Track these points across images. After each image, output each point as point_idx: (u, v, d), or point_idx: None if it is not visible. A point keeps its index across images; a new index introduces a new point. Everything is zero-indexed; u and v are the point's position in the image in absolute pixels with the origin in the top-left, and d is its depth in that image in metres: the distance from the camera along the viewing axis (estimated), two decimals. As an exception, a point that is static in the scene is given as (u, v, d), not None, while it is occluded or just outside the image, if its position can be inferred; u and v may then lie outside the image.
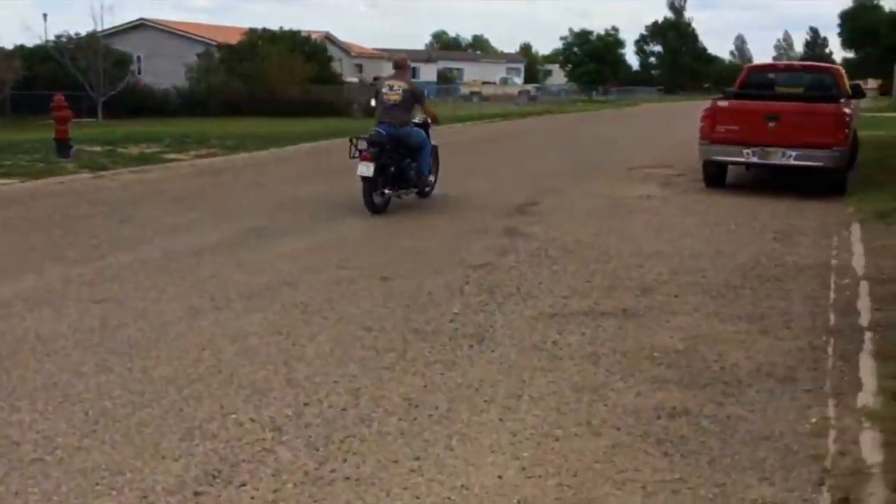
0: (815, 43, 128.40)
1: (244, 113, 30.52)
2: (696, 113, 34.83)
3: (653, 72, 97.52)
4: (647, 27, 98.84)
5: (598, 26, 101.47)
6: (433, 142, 10.60)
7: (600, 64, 68.88)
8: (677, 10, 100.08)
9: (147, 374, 4.55)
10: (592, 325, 5.55)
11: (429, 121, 10.67)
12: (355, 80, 52.89)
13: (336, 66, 50.61)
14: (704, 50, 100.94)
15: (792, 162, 11.14)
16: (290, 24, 43.45)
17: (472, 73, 75.62)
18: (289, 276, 6.70)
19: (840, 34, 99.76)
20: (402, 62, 10.78)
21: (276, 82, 33.03)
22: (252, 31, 38.88)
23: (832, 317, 5.75)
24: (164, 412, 4.06)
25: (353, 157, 9.66)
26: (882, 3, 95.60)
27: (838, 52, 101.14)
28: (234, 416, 4.04)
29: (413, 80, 11.34)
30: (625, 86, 77.31)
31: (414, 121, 10.35)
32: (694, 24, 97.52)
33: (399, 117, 9.96)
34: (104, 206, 10.17)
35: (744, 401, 4.31)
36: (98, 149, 16.00)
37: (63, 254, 7.47)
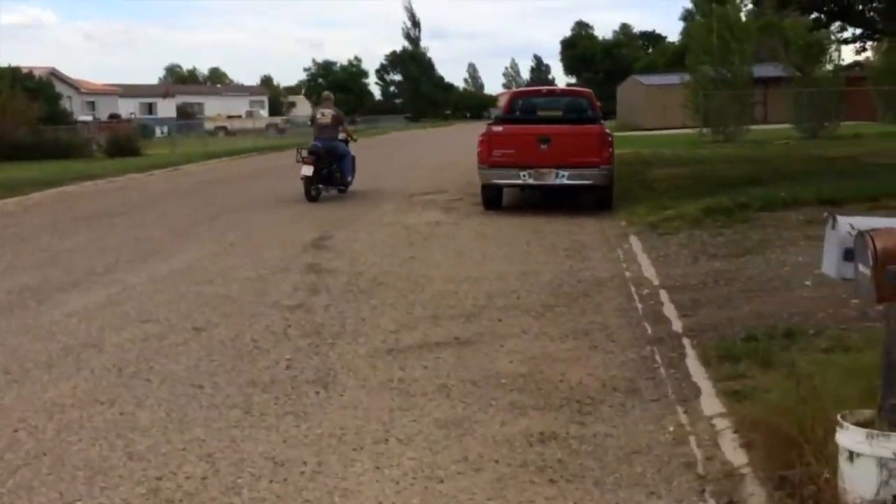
0: (540, 69, 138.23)
1: (-38, 158, 27.45)
2: (444, 140, 36.13)
3: (395, 101, 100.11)
4: (386, 57, 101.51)
5: (332, 56, 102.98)
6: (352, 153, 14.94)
7: (346, 94, 69.79)
8: (413, 40, 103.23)
9: (-44, 468, 3.89)
10: (431, 358, 5.48)
11: (348, 138, 15.18)
12: (89, 118, 49.87)
13: (66, 103, 47.46)
14: (442, 78, 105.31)
15: (565, 181, 11.77)
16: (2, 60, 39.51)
17: (214, 108, 73.56)
18: (88, 336, 6.05)
19: (562, 61, 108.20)
20: (327, 97, 15.67)
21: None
22: (-36, 69, 35.37)
23: (648, 327, 6.07)
24: (-6, 511, 3.49)
25: (298, 162, 13.81)
26: (596, 32, 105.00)
27: (561, 77, 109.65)
28: (79, 503, 3.54)
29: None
30: (370, 115, 78.70)
31: (339, 137, 14.54)
32: (429, 54, 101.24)
33: (330, 134, 14.30)
34: None
35: (602, 417, 4.41)
36: None
37: None
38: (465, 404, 4.64)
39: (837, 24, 13.77)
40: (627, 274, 7.90)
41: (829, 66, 29.40)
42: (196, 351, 5.68)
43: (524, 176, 11.87)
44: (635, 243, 9.41)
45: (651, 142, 28.18)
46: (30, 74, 41.37)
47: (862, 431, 2.94)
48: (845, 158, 17.93)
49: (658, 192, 13.64)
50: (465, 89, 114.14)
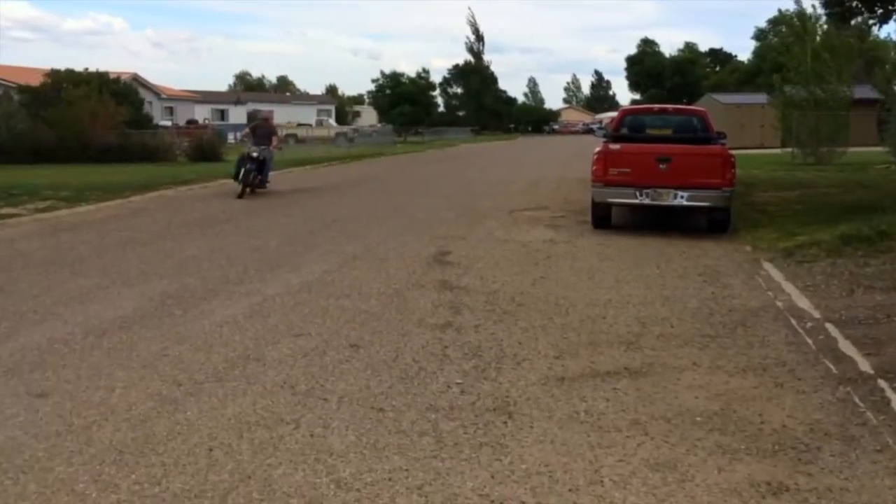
0: (601, 85, 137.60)
1: (55, 160, 27.93)
2: (521, 154, 36.03)
3: (458, 113, 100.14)
4: (449, 70, 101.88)
5: (388, 68, 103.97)
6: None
7: (413, 105, 70.05)
8: (476, 53, 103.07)
9: (165, 489, 3.73)
10: (609, 389, 5.20)
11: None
12: (167, 123, 50.67)
13: (147, 108, 48.25)
14: (504, 92, 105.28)
15: (684, 203, 11.41)
16: (67, 65, 39.97)
17: (283, 115, 74.03)
18: (246, 349, 5.91)
19: (627, 77, 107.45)
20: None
21: (90, 127, 30.58)
22: (55, 73, 36.05)
23: (830, 364, 5.70)
24: (221, 542, 3.31)
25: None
26: (662, 49, 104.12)
27: (625, 94, 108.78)
28: (305, 537, 3.35)
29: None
30: (435, 127, 78.81)
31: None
32: (491, 68, 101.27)
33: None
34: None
35: (828, 468, 4.08)
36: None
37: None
38: (669, 445, 4.36)
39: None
40: (779, 304, 7.52)
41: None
42: (361, 370, 5.49)
43: (640, 196, 11.53)
44: (772, 270, 9.01)
45: (738, 162, 27.44)
46: (116, 79, 42.07)
47: None
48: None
49: (773, 216, 13.20)
50: (523, 103, 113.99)
